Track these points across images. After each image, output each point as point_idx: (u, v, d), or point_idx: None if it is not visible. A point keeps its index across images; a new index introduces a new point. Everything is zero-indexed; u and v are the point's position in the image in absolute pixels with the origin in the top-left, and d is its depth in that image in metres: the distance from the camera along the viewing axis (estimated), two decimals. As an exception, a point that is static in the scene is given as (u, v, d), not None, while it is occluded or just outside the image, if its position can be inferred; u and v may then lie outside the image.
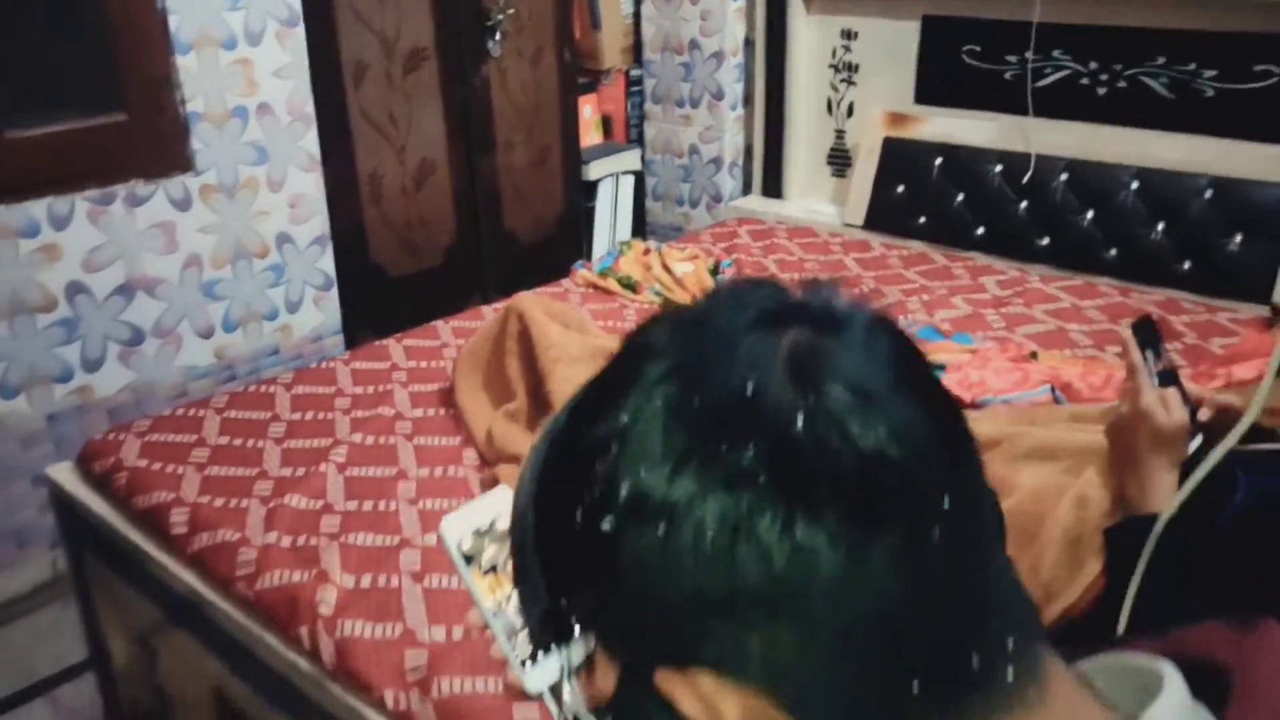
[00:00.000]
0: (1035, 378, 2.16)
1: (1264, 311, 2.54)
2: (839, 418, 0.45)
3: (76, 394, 2.71)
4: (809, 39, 3.55)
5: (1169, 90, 2.86)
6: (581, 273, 3.03)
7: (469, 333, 2.65)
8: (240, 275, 2.95)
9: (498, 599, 0.79)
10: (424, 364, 2.57)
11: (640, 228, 4.08)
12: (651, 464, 0.47)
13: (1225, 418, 1.44)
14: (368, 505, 1.94)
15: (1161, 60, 2.85)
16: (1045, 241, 3.02)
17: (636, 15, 3.81)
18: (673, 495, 0.46)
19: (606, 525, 0.49)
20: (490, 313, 2.78)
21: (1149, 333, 1.43)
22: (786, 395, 0.46)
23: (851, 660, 0.46)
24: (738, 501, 0.45)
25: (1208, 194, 2.77)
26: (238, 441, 2.19)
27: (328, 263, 3.13)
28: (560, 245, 3.70)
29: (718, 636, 0.47)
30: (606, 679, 0.55)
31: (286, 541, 1.82)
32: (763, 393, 0.46)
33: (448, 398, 2.36)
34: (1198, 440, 1.38)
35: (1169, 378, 1.39)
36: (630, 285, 2.94)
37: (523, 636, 0.80)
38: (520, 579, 0.59)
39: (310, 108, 2.98)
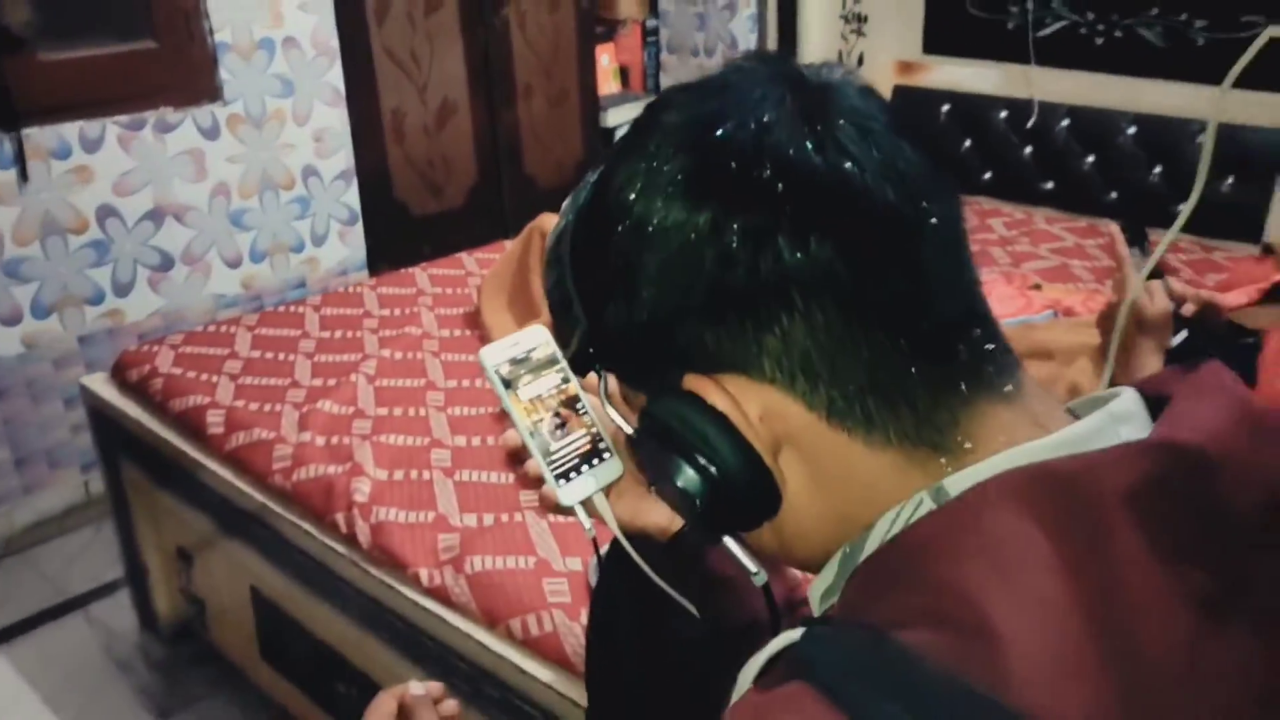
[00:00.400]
0: (1038, 304, 2.25)
1: (1255, 250, 2.62)
2: (845, 144, 0.53)
3: (107, 317, 2.79)
4: (821, -12, 3.61)
5: (1163, 40, 2.93)
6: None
7: (491, 264, 2.73)
8: (267, 206, 3.02)
9: (534, 421, 0.87)
10: (449, 290, 2.65)
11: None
12: (670, 188, 0.54)
13: (1208, 312, 1.54)
14: (398, 411, 2.03)
15: (1155, 11, 2.92)
16: (1049, 185, 3.11)
17: (652, -35, 3.87)
18: (692, 216, 0.53)
19: (633, 243, 0.55)
20: (511, 245, 2.86)
21: (1136, 230, 1.52)
22: (798, 126, 0.53)
23: (859, 348, 0.52)
24: (754, 217, 0.52)
25: (1200, 138, 2.84)
26: (269, 355, 2.28)
27: (353, 197, 3.20)
28: (577, 191, 3.77)
29: (739, 338, 0.53)
30: (637, 404, 0.62)
31: (321, 441, 1.90)
32: (775, 125, 0.53)
33: (473, 320, 2.44)
34: (1183, 334, 1.48)
35: (1154, 273, 1.47)
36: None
37: (559, 455, 0.88)
38: (559, 309, 0.63)
39: (335, 42, 3.05)
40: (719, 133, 0.54)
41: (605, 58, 3.87)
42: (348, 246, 3.22)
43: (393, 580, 1.62)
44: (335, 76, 3.07)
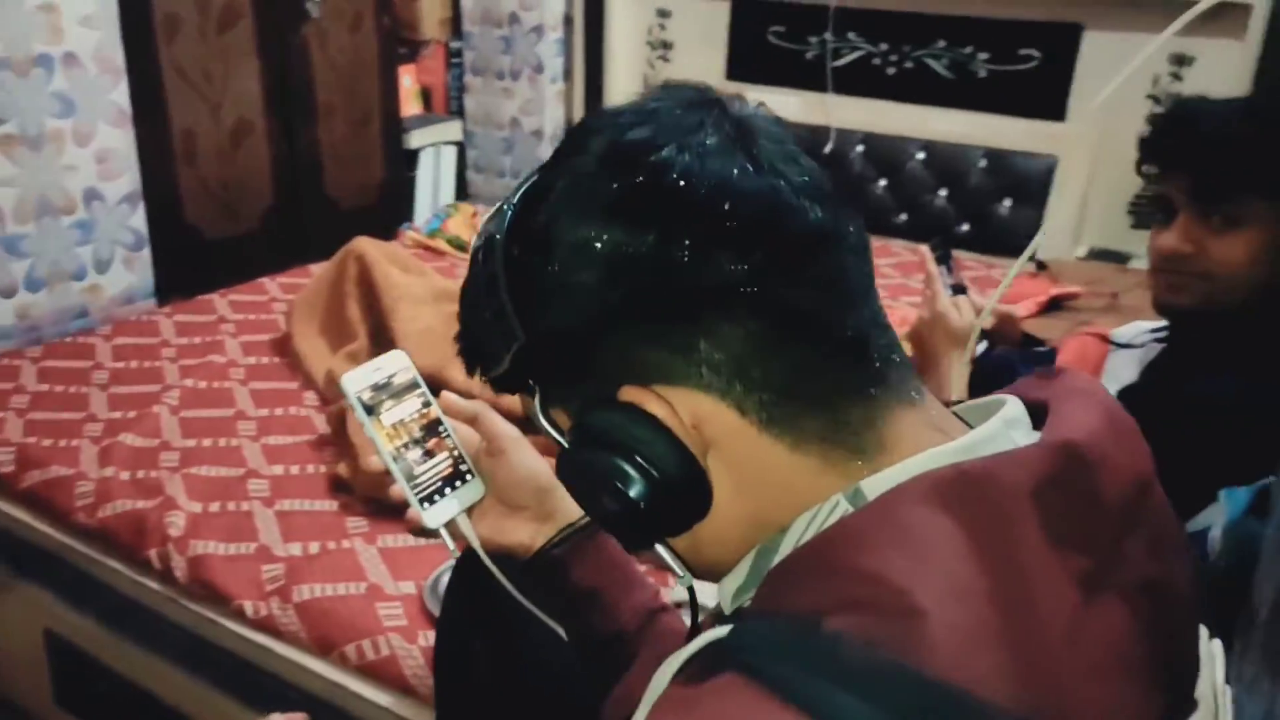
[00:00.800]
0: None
1: (1031, 267, 2.86)
2: (775, 165, 0.58)
3: None
4: (626, 16, 3.70)
5: (949, 70, 3.16)
6: (409, 234, 3.07)
7: (297, 289, 2.65)
8: (45, 232, 2.81)
9: (397, 445, 0.87)
10: (252, 317, 2.55)
11: (463, 198, 4.11)
12: (611, 206, 0.57)
13: (1005, 325, 1.69)
14: (207, 442, 1.94)
15: (942, 44, 3.15)
16: (844, 208, 3.28)
17: (455, -13, 3.85)
18: (635, 233, 0.56)
19: (574, 260, 0.58)
20: (319, 269, 2.78)
21: (944, 251, 1.65)
22: (732, 149, 0.58)
23: (787, 354, 0.57)
24: (698, 232, 0.56)
25: (982, 164, 3.09)
26: (59, 388, 2.14)
27: (139, 221, 3.02)
28: (381, 213, 3.69)
29: (677, 348, 0.57)
30: (563, 421, 0.64)
31: (126, 475, 1.80)
32: (713, 149, 0.57)
33: (281, 347, 2.36)
34: (984, 344, 1.62)
35: (958, 289, 1.61)
36: (460, 245, 3.00)
37: (423, 478, 0.88)
38: (489, 327, 0.63)
39: (120, 60, 2.87)
40: (662, 154, 0.57)
41: (408, 79, 3.82)
42: (134, 273, 3.03)
43: (215, 614, 1.55)
44: (121, 95, 2.90)
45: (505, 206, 0.63)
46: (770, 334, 0.57)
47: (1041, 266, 2.82)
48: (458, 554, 0.94)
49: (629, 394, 0.59)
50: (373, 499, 1.69)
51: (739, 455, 0.59)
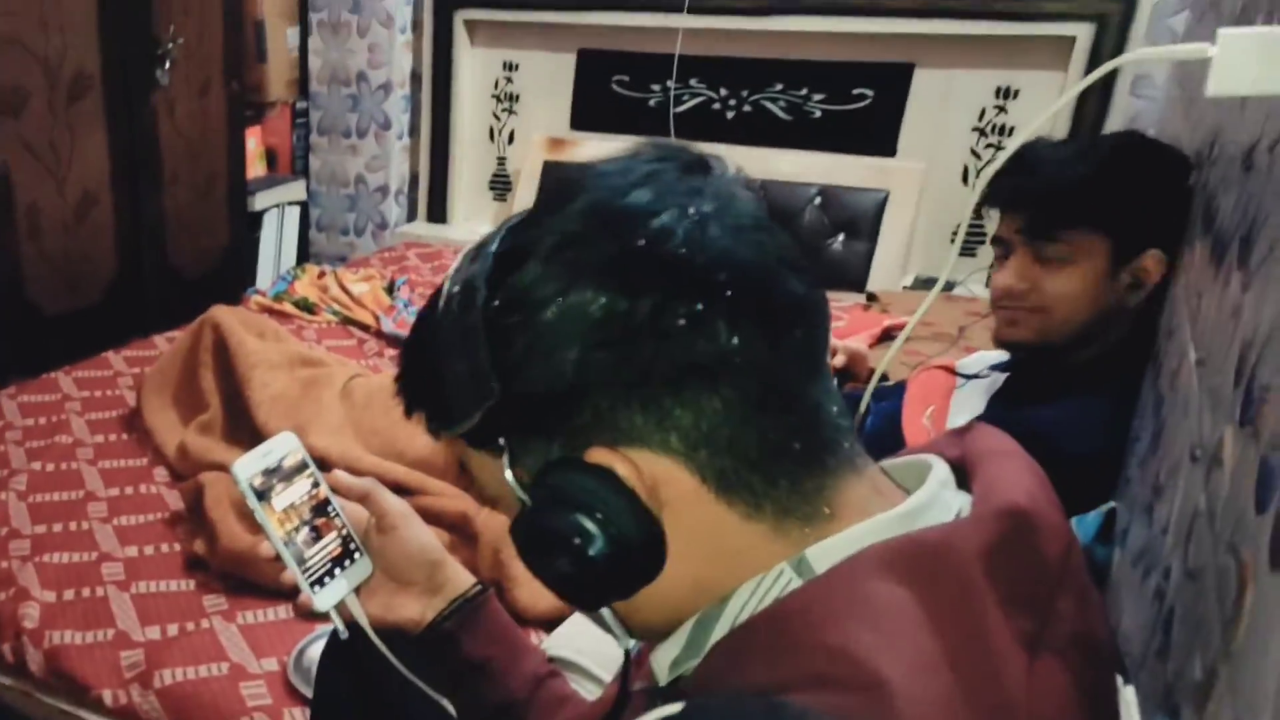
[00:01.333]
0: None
1: (862, 299, 2.99)
2: (759, 238, 0.59)
3: None
4: (473, 70, 3.76)
5: (786, 112, 3.31)
6: (255, 298, 3.03)
7: (143, 362, 2.60)
8: None
9: (287, 530, 0.87)
10: (99, 393, 2.49)
11: (304, 258, 4.07)
12: (607, 270, 0.56)
13: (857, 362, 1.76)
14: (58, 527, 1.89)
15: (780, 86, 3.30)
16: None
17: (302, 48, 3.84)
18: (630, 299, 0.55)
19: (564, 322, 0.56)
20: (164, 342, 2.73)
21: None
22: (726, 219, 0.58)
23: (757, 424, 0.57)
24: (694, 303, 0.55)
25: (817, 200, 3.22)
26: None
27: (-25, 299, 2.92)
28: (225, 279, 3.63)
29: (654, 414, 0.57)
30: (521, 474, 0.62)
31: (-29, 568, 1.74)
32: (709, 218, 0.58)
33: (129, 422, 2.31)
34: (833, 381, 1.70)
35: None
36: (308, 307, 2.98)
37: (313, 562, 0.89)
38: (462, 380, 0.61)
39: (-39, 135, 2.79)
40: (663, 220, 0.57)
41: (253, 140, 3.79)
42: (-30, 355, 2.93)
43: (73, 707, 1.52)
44: (-42, 171, 2.81)
45: (484, 253, 0.62)
46: (744, 405, 0.57)
47: (871, 299, 2.94)
48: (345, 635, 0.91)
49: (597, 455, 0.58)
50: (230, 575, 1.68)
51: (691, 519, 0.58)
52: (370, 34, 3.73)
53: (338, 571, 0.89)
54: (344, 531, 0.90)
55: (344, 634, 0.90)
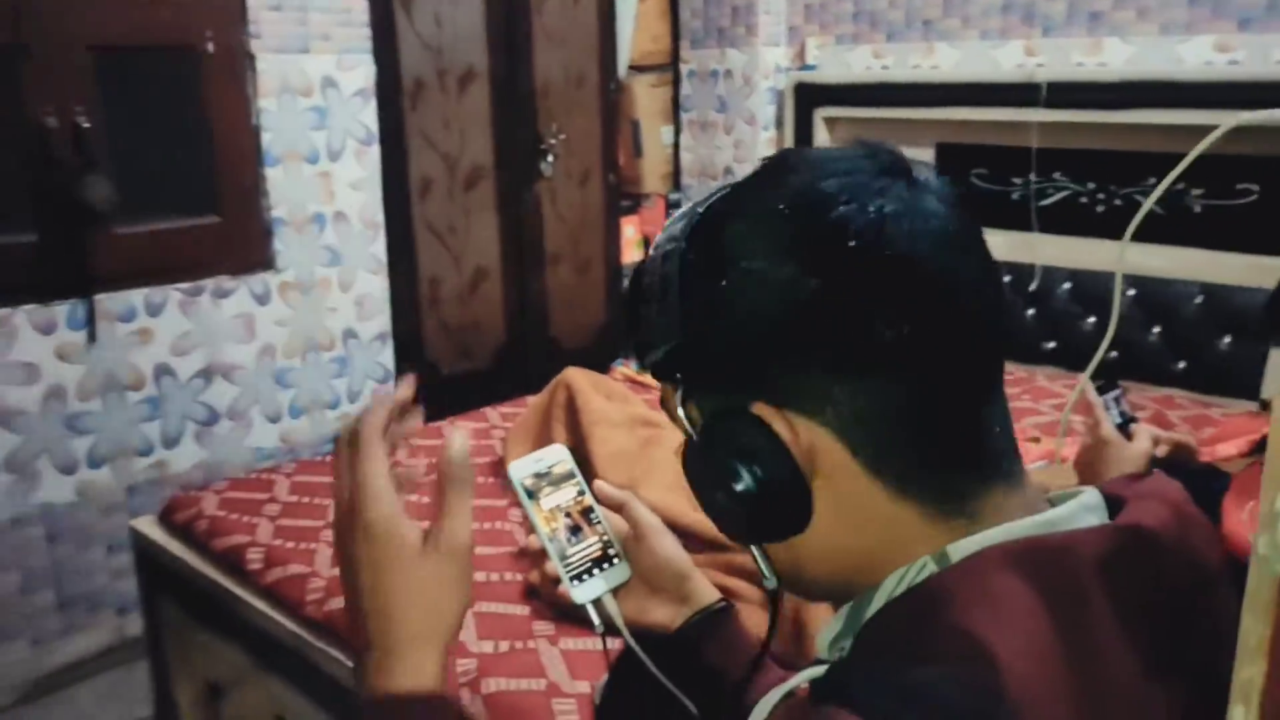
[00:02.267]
0: (1035, 453, 2.36)
1: (1253, 407, 2.72)
2: (948, 247, 0.62)
3: (154, 468, 2.95)
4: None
5: (1161, 207, 3.12)
6: (620, 369, 3.28)
7: (514, 417, 2.89)
8: (309, 365, 3.22)
9: (552, 527, 0.99)
10: (474, 442, 2.80)
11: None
12: (790, 248, 0.61)
13: (1179, 453, 1.65)
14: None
15: (1153, 181, 3.12)
16: (1051, 345, 3.25)
17: (676, 145, 4.16)
18: (807, 279, 0.60)
19: (750, 287, 0.62)
20: (533, 401, 3.02)
21: (1109, 380, 1.66)
22: (914, 222, 0.61)
23: (916, 424, 0.62)
24: (866, 293, 0.60)
25: (1198, 299, 3.00)
26: (306, 499, 2.42)
27: (388, 357, 3.40)
28: (600, 351, 3.97)
29: (817, 386, 0.61)
30: (694, 416, 0.69)
31: (351, 575, 2.02)
32: (892, 216, 0.61)
33: (496, 468, 2.58)
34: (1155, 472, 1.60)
35: (1128, 419, 1.61)
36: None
37: (574, 558, 0.99)
38: (652, 322, 0.67)
39: (380, 217, 3.31)
40: (842, 210, 0.61)
41: (630, 229, 4.12)
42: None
43: (413, 702, 1.71)
44: (379, 248, 3.32)
45: (692, 213, 0.68)
46: (904, 403, 0.61)
47: (1265, 406, 2.68)
48: (602, 629, 0.98)
49: (760, 410, 0.63)
50: (558, 605, 1.83)
51: (844, 489, 0.63)
52: (735, 131, 3.97)
53: (596, 571, 0.95)
54: (605, 537, 0.97)
55: (599, 629, 0.97)
